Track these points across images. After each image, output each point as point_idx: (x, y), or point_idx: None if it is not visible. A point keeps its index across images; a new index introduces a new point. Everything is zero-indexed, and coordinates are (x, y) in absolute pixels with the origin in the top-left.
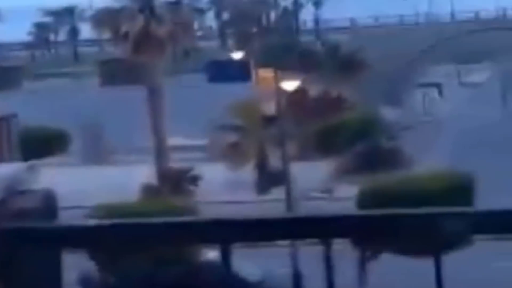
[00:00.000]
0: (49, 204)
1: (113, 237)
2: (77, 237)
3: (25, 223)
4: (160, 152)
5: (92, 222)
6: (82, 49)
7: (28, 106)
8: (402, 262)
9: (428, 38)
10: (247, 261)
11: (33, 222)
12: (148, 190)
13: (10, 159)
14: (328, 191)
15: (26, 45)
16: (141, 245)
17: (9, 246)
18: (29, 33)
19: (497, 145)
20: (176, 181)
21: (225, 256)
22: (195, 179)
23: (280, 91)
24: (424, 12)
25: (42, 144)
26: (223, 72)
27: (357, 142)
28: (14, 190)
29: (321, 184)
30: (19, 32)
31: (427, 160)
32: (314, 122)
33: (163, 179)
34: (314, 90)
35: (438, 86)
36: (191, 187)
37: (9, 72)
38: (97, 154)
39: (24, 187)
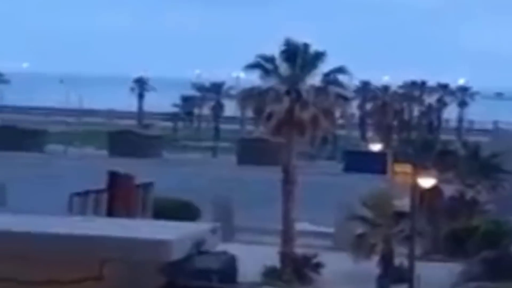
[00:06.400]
0: (231, 266)
1: None
2: None
3: (207, 283)
4: (288, 235)
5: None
6: (223, 126)
7: (165, 176)
8: None
9: None
10: None
11: (216, 283)
12: (270, 272)
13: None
14: None
15: (171, 116)
16: None
17: None
18: (175, 105)
19: None
20: (299, 267)
21: None
22: (317, 267)
23: (416, 188)
24: None
25: (172, 214)
26: (359, 162)
27: (486, 248)
28: (198, 250)
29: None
30: (165, 102)
31: None
32: (445, 223)
33: (286, 263)
34: (449, 190)
35: None
36: (313, 274)
37: (150, 141)
38: (225, 230)
39: (208, 248)
